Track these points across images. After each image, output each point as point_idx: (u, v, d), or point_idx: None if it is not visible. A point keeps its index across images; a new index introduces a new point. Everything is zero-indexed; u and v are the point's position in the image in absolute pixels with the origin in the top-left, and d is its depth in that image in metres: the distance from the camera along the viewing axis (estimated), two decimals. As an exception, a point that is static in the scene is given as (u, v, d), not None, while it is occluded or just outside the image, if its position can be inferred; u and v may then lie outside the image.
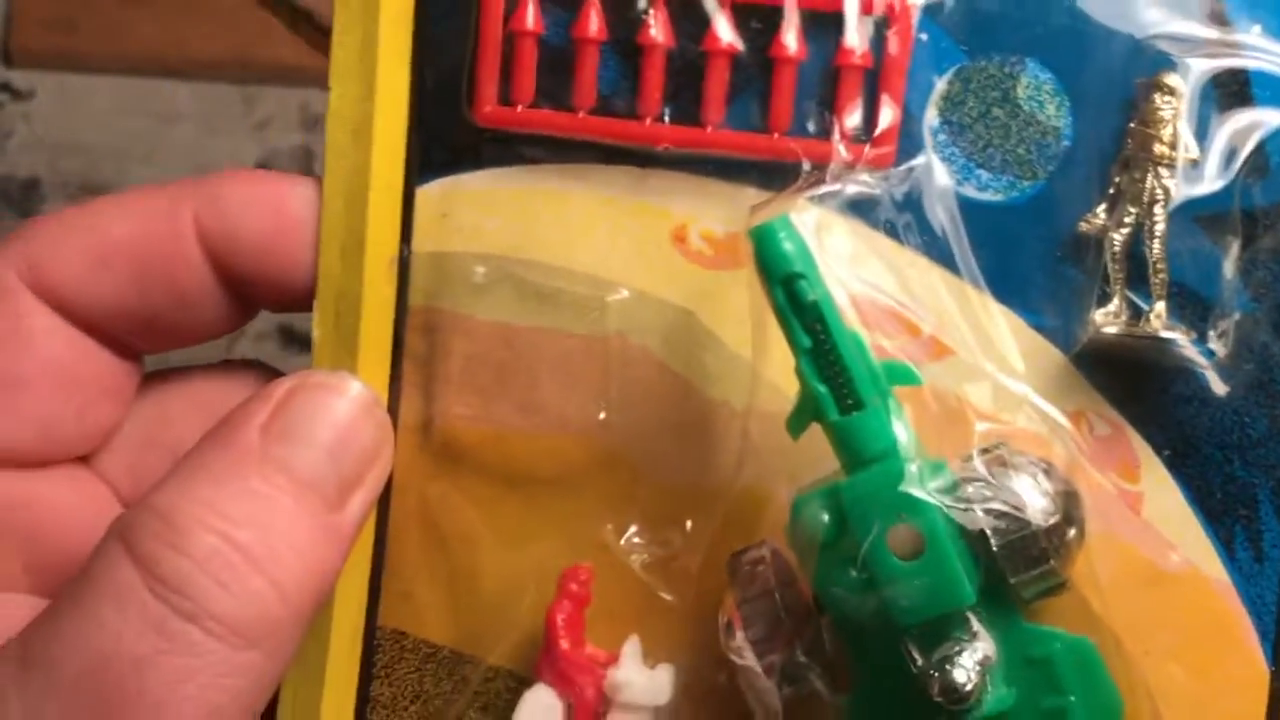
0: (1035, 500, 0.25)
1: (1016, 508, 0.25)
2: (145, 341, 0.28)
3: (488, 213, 0.26)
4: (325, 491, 0.24)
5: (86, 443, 0.28)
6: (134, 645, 0.23)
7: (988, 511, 0.24)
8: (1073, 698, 0.25)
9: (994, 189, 0.26)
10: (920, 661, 0.25)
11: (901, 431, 0.25)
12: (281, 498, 0.24)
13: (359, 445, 0.25)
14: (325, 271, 0.27)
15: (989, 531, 0.24)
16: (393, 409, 0.27)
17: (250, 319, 0.29)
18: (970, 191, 0.26)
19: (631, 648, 0.28)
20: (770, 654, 0.26)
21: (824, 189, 0.26)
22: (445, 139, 0.27)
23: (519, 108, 0.26)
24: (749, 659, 0.26)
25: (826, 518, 0.25)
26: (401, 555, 0.27)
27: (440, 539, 0.27)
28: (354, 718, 0.28)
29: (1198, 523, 0.25)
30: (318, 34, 0.63)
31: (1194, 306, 0.26)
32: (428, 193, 0.27)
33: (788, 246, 0.24)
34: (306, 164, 0.63)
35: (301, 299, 0.28)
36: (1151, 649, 0.26)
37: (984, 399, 0.26)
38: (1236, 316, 0.25)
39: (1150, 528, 0.26)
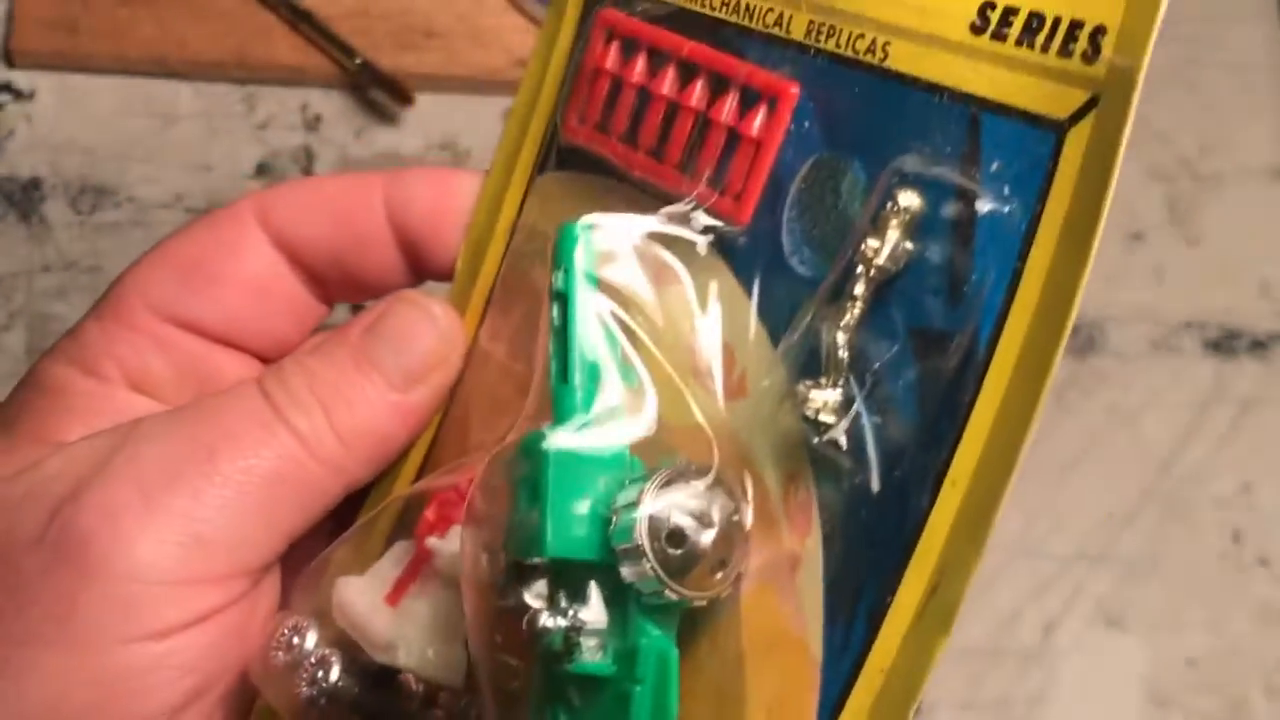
0: (683, 519, 0.28)
1: (655, 516, 0.28)
2: (332, 285, 0.36)
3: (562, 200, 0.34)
4: (392, 378, 0.33)
5: (264, 346, 0.36)
6: (242, 432, 0.32)
7: (628, 506, 0.28)
8: (639, 688, 0.28)
9: (809, 266, 0.29)
10: (528, 601, 0.29)
11: (593, 406, 0.29)
12: (359, 376, 0.33)
13: (423, 348, 0.34)
14: (473, 224, 0.35)
15: (612, 522, 0.28)
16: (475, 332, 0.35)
17: (415, 284, 0.37)
18: (795, 264, 0.30)
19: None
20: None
21: (672, 213, 0.32)
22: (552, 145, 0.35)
23: (589, 128, 0.34)
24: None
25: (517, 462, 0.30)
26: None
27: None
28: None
29: (821, 600, 0.28)
30: (319, 34, 0.63)
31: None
32: (542, 181, 0.35)
33: (577, 247, 0.30)
34: (308, 164, 0.63)
35: (447, 272, 0.36)
36: (746, 696, 0.28)
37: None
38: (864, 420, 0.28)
39: (794, 592, 0.28)
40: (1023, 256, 0.28)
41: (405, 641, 0.32)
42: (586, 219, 0.31)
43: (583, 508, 0.29)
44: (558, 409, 0.30)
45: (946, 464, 0.27)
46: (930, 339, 0.28)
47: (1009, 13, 0.29)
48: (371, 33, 0.64)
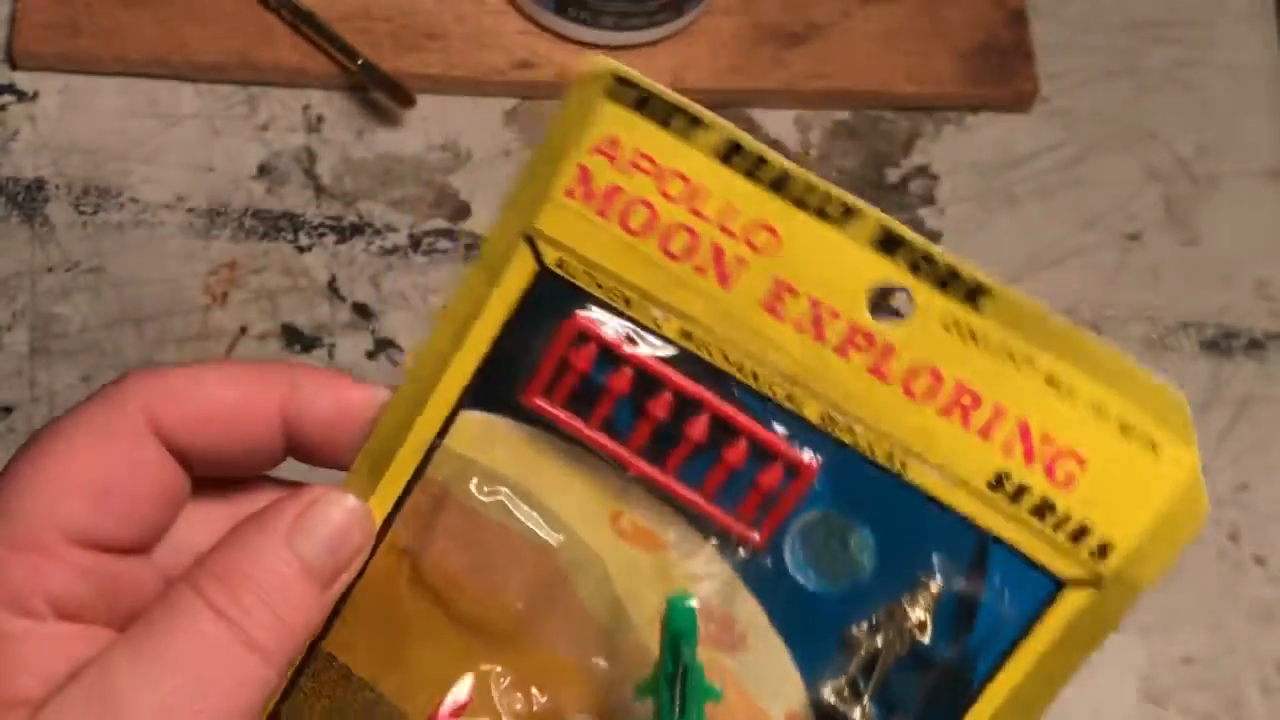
0: None
1: None
2: (207, 472, 0.37)
3: (506, 449, 0.37)
4: (325, 578, 0.35)
5: (154, 540, 0.37)
6: (217, 672, 0.34)
7: None
8: None
9: (811, 583, 0.36)
10: None
11: None
12: (300, 581, 0.35)
13: (351, 549, 0.36)
14: (378, 431, 0.37)
15: None
16: (383, 530, 0.37)
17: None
18: (798, 579, 0.36)
19: None
20: None
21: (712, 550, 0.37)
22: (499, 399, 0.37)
23: (554, 405, 0.36)
24: None
25: None
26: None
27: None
28: None
29: None
30: (320, 35, 0.63)
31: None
32: (470, 416, 0.37)
33: (684, 619, 0.35)
34: (309, 163, 0.63)
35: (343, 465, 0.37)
36: None
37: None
38: None
39: None
40: (1006, 655, 0.35)
41: None
42: (690, 599, 0.36)
43: None
44: None
45: None
46: (935, 673, 0.35)
47: (1023, 489, 0.34)
48: (372, 34, 0.64)
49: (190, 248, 0.61)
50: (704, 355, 0.36)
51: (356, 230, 0.62)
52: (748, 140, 0.35)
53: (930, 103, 0.66)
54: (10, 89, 0.63)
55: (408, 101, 0.62)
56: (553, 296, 0.36)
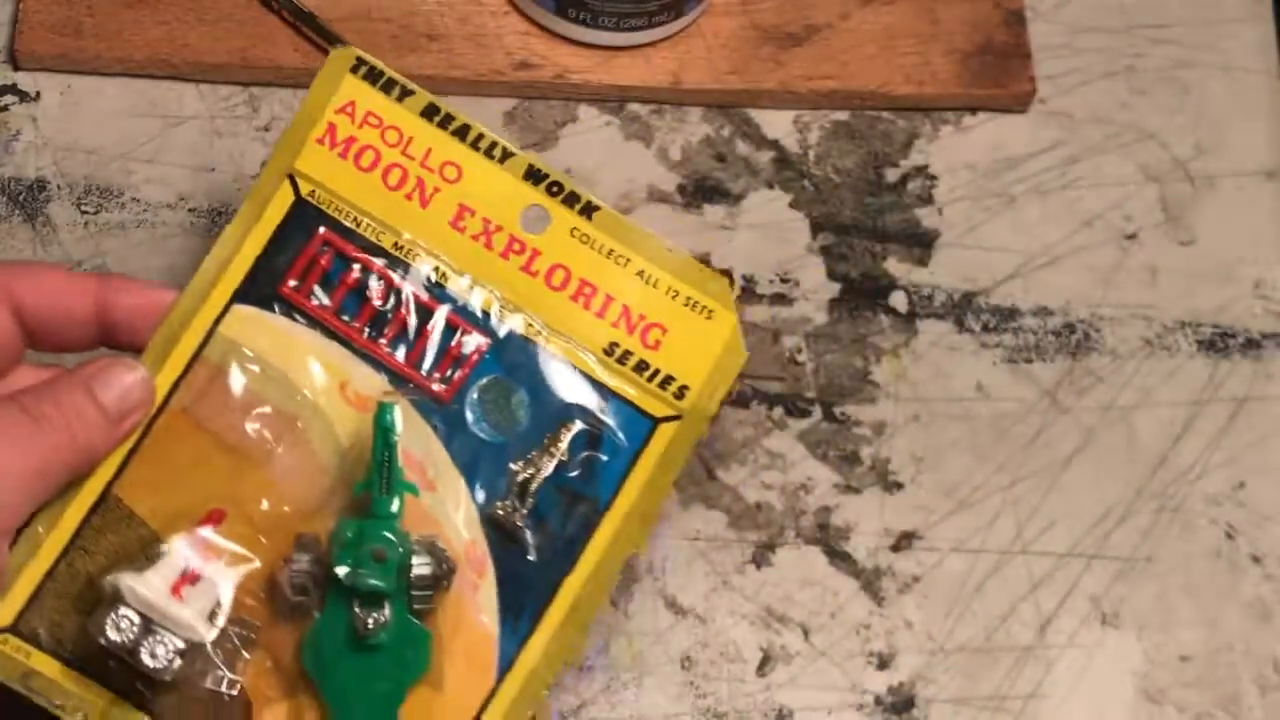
0: (426, 569, 0.48)
1: (417, 571, 0.47)
2: (39, 340, 0.49)
3: (266, 334, 0.49)
4: (110, 413, 0.47)
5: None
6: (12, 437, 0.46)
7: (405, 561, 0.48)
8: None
9: (486, 434, 0.49)
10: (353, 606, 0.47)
11: (394, 507, 0.47)
12: (90, 408, 0.46)
13: (134, 399, 0.47)
14: (167, 321, 0.49)
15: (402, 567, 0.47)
16: (169, 396, 0.49)
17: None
18: (476, 430, 0.50)
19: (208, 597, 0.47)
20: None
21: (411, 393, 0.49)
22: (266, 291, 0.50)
23: (302, 296, 0.50)
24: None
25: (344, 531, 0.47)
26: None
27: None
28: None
29: (496, 607, 0.49)
30: (321, 36, 0.63)
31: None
32: (240, 309, 0.49)
33: (390, 417, 0.47)
34: (310, 165, 0.63)
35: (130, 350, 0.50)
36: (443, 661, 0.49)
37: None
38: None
39: (477, 602, 0.49)
40: (623, 478, 0.49)
41: (198, 619, 0.46)
42: (390, 398, 0.48)
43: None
44: (379, 508, 0.47)
45: (574, 560, 0.49)
46: (571, 494, 0.49)
47: (628, 354, 0.50)
48: (373, 34, 0.64)
49: (192, 247, 0.61)
50: (409, 260, 0.50)
51: (357, 230, 0.62)
52: (442, 103, 0.50)
53: (928, 103, 0.66)
54: (12, 89, 0.63)
55: (408, 102, 0.63)
56: (306, 218, 0.50)
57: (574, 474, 0.49)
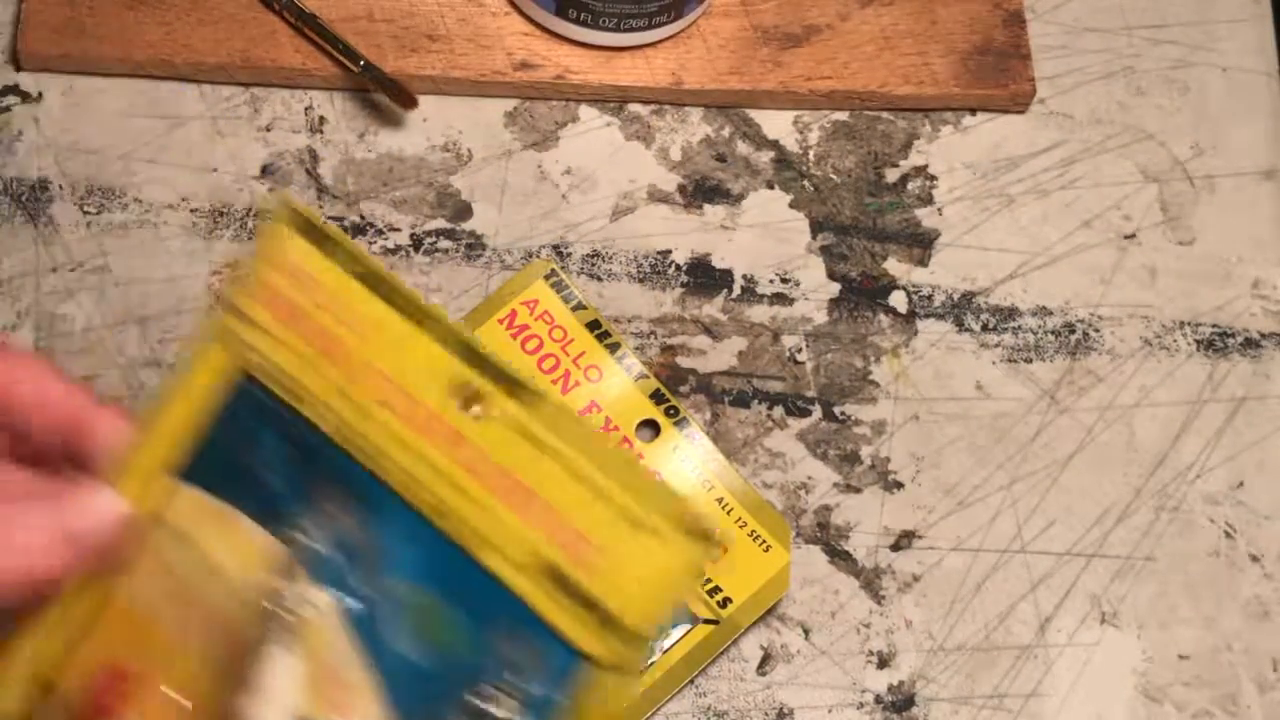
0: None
1: None
2: None
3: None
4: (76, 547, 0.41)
5: None
6: None
7: None
8: None
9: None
10: None
11: None
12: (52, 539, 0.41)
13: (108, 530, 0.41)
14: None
15: None
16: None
17: None
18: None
19: None
20: None
21: None
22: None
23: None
24: None
25: None
26: None
27: None
28: None
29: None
30: (322, 37, 0.63)
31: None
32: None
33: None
34: (312, 164, 0.63)
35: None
36: None
37: None
38: None
39: None
40: None
41: None
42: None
43: None
44: None
45: None
46: None
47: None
48: (374, 36, 0.64)
49: (193, 248, 0.61)
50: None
51: (359, 230, 0.62)
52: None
53: (928, 104, 0.66)
54: (15, 90, 0.64)
55: (409, 103, 0.63)
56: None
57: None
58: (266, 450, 0.42)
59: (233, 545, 0.42)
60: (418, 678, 0.41)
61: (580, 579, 0.40)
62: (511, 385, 0.41)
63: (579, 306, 0.60)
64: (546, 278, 0.60)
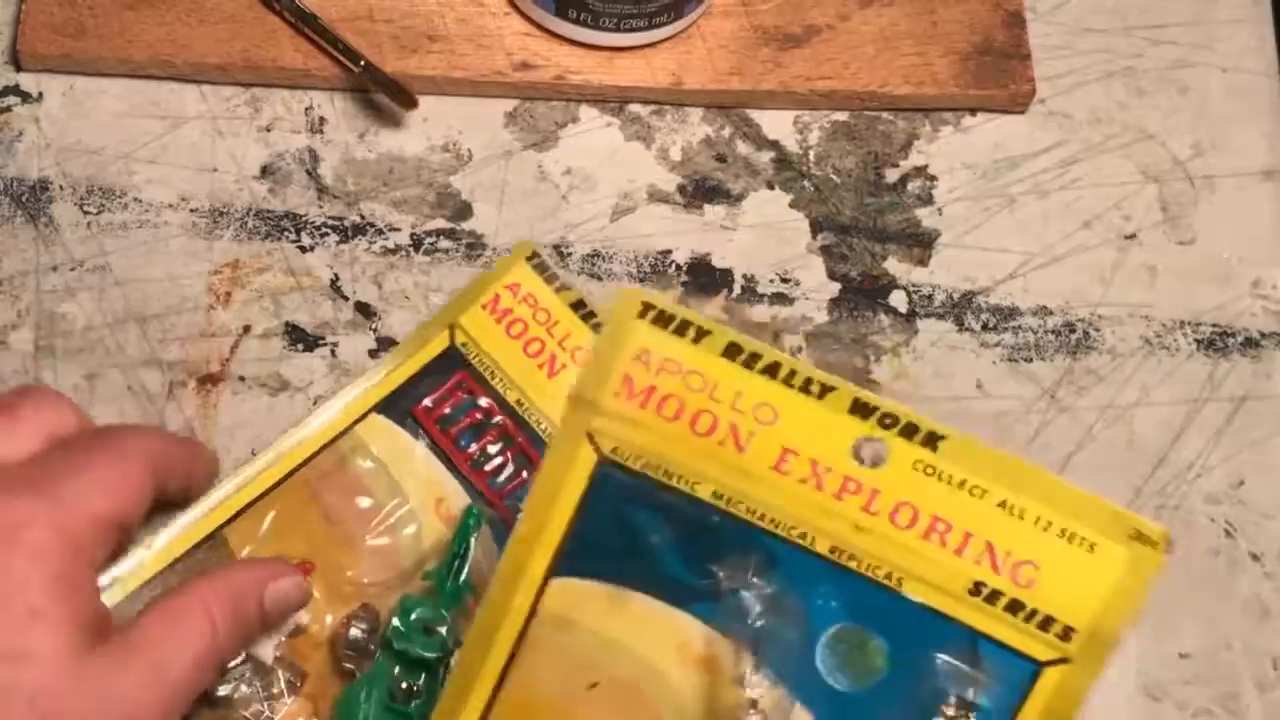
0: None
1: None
2: None
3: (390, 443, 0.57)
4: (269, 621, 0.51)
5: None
6: None
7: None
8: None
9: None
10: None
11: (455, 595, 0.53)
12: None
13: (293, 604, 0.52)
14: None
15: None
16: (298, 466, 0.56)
17: None
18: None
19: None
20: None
21: None
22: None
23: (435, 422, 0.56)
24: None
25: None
26: None
27: None
28: None
29: None
30: (322, 38, 0.63)
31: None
32: (376, 419, 0.57)
33: (474, 521, 0.54)
34: (312, 164, 0.63)
35: None
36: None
37: None
38: None
39: None
40: None
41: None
42: (479, 510, 0.54)
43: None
44: (441, 591, 0.52)
45: None
46: None
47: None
48: (375, 36, 0.64)
49: (194, 247, 0.61)
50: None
51: (359, 230, 0.62)
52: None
53: (928, 104, 0.66)
54: (15, 90, 0.64)
55: (410, 103, 0.63)
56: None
57: None
58: (636, 525, 0.46)
59: (625, 619, 0.46)
60: (863, 712, 0.45)
61: (1022, 596, 0.44)
62: (908, 430, 0.45)
63: (563, 287, 0.59)
64: (529, 259, 0.60)
